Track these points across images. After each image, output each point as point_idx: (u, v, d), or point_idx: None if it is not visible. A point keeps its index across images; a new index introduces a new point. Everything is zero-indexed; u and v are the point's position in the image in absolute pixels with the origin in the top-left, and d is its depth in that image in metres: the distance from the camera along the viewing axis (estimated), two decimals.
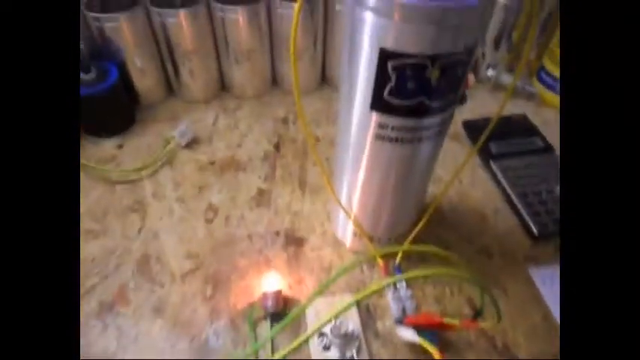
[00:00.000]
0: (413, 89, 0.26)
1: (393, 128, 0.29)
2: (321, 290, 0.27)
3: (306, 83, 0.60)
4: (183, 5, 0.51)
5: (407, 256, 0.41)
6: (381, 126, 0.29)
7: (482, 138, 0.36)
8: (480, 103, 0.60)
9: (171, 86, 0.59)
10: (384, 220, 0.38)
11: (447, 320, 0.32)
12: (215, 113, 0.57)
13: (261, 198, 0.46)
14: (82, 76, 0.49)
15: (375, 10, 0.24)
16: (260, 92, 0.60)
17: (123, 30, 0.50)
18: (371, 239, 0.39)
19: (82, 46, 0.49)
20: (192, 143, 0.52)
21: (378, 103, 0.28)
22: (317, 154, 0.35)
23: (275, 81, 0.61)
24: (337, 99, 0.33)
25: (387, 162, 0.32)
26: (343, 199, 0.38)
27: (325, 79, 0.62)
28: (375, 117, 0.29)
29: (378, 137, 0.30)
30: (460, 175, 0.50)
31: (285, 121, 0.56)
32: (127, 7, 0.50)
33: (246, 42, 0.54)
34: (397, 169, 0.32)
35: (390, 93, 0.27)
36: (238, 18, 0.51)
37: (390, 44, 0.24)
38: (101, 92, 0.49)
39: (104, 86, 0.49)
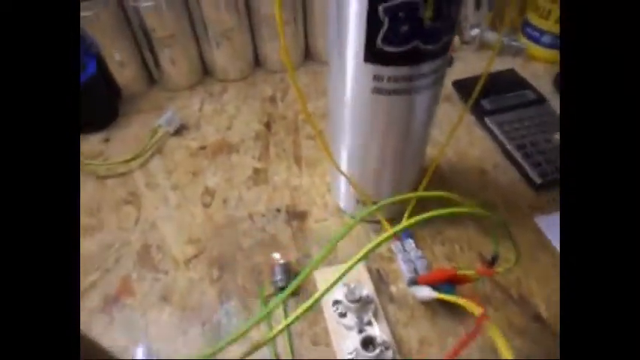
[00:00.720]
0: (406, 33, 0.25)
1: (389, 79, 0.28)
2: (328, 252, 0.26)
3: (293, 59, 0.59)
4: None
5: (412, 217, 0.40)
6: (376, 78, 0.28)
7: (474, 94, 0.35)
8: (468, 64, 0.59)
9: (152, 76, 0.57)
10: (386, 182, 0.37)
11: (460, 272, 0.32)
12: (200, 99, 0.56)
13: (258, 177, 0.45)
14: None
15: None
16: (244, 74, 0.59)
17: (96, 20, 0.48)
18: (374, 204, 0.39)
19: None
20: (180, 130, 0.51)
21: (372, 53, 0.27)
22: (313, 121, 0.34)
23: (258, 61, 0.60)
24: (327, 64, 0.32)
25: (385, 117, 0.31)
26: (343, 167, 0.37)
27: (309, 55, 0.61)
28: (369, 69, 0.28)
29: (375, 91, 0.29)
30: (456, 135, 0.49)
31: (272, 99, 0.55)
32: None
33: (224, 21, 0.52)
34: (396, 124, 0.31)
35: (384, 40, 0.26)
36: None
37: None
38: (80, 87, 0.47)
39: (81, 79, 0.47)
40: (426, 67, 0.28)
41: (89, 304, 0.36)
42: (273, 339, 0.25)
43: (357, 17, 0.25)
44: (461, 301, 0.29)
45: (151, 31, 0.51)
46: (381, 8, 0.24)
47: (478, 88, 0.35)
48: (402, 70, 0.27)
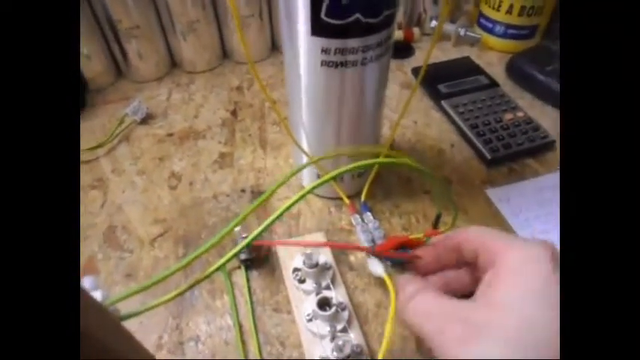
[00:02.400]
0: (347, 6, 0.27)
1: (335, 52, 0.30)
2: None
3: (256, 52, 0.61)
4: None
5: (371, 193, 0.42)
6: (324, 51, 0.30)
7: (421, 73, 0.37)
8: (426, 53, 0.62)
9: (119, 69, 0.58)
10: (345, 159, 0.39)
11: (411, 236, 0.34)
12: (168, 89, 0.57)
13: (224, 161, 0.47)
14: None
15: None
16: (211, 65, 0.60)
17: None
18: (335, 179, 0.40)
19: None
20: (147, 119, 0.51)
21: (317, 26, 0.28)
22: (272, 99, 0.35)
23: (225, 53, 0.61)
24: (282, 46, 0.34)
25: (336, 91, 0.32)
26: (304, 146, 0.39)
27: (275, 47, 0.63)
28: (317, 43, 0.29)
29: (324, 64, 0.30)
30: (415, 118, 0.51)
31: (239, 89, 0.57)
32: None
33: (189, 14, 0.53)
34: (348, 97, 0.33)
35: (327, 13, 0.27)
36: None
37: None
38: None
39: None
40: (370, 39, 0.29)
41: None
42: (223, 265, 0.26)
43: None
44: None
45: (117, 22, 0.52)
46: None
47: (426, 61, 0.37)
48: (348, 43, 0.29)
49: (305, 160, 0.40)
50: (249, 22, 0.57)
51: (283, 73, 0.60)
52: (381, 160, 0.32)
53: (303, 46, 0.30)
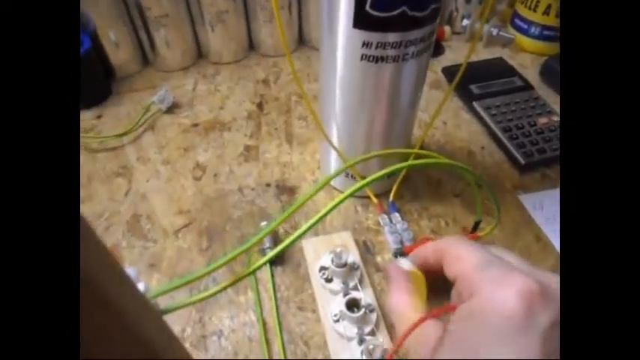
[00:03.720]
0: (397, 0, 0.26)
1: (377, 46, 0.28)
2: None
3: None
4: None
5: (399, 194, 0.41)
6: (365, 45, 0.29)
7: (458, 75, 0.36)
8: (458, 53, 0.61)
9: (147, 57, 0.57)
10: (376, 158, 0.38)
11: None
12: (194, 79, 0.56)
13: (249, 153, 0.46)
14: None
15: None
16: (238, 57, 0.59)
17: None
18: (363, 178, 0.39)
19: None
20: (173, 108, 0.51)
21: (360, 18, 0.27)
22: (305, 95, 0.35)
23: (252, 45, 0.61)
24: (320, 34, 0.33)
25: (373, 85, 0.31)
26: (334, 142, 0.38)
27: (302, 41, 0.62)
28: (358, 35, 0.28)
29: (364, 58, 0.29)
30: (445, 119, 0.50)
31: (265, 81, 0.56)
32: None
33: (219, 4, 0.53)
34: (384, 93, 0.32)
35: (372, 5, 0.26)
36: None
37: None
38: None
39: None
40: (413, 34, 0.28)
41: None
42: (253, 272, 0.25)
43: None
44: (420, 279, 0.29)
45: (146, 10, 0.51)
46: None
47: (462, 69, 0.36)
48: (390, 37, 0.28)
49: (333, 155, 0.39)
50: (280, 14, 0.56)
51: (309, 67, 0.59)
52: (419, 162, 0.30)
53: (343, 38, 0.29)
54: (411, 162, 0.29)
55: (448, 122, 0.50)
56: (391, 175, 0.40)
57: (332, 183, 0.42)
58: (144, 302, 0.14)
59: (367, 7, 0.27)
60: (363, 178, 0.39)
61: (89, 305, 0.11)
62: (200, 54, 0.59)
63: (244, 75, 0.57)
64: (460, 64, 0.36)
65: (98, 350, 0.12)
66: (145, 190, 0.42)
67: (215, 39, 0.56)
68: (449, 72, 0.55)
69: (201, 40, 0.58)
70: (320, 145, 0.44)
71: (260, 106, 0.52)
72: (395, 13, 0.27)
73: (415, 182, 0.42)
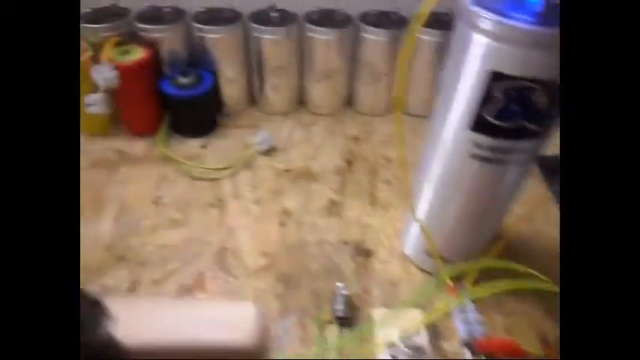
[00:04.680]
0: (517, 112, 0.27)
1: (488, 148, 0.30)
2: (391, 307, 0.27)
3: (379, 106, 0.63)
4: (280, 24, 0.55)
5: (476, 280, 0.41)
6: (476, 145, 0.30)
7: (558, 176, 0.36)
8: (555, 141, 0.60)
9: (253, 97, 0.63)
10: (458, 240, 0.38)
11: (525, 348, 0.32)
12: (292, 125, 0.60)
13: (332, 208, 0.48)
14: (180, 79, 0.53)
15: (489, 33, 0.26)
16: (334, 110, 0.63)
17: (222, 42, 0.55)
18: (443, 259, 0.40)
19: (183, 52, 0.55)
20: (269, 151, 0.55)
21: (478, 123, 0.29)
22: (405, 166, 0.36)
23: (349, 101, 0.64)
24: (430, 118, 0.35)
25: (474, 181, 0.32)
26: (419, 212, 0.39)
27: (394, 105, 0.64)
28: (472, 136, 0.30)
29: (472, 156, 0.31)
30: (531, 209, 0.49)
31: (356, 139, 0.59)
32: (229, 22, 0.55)
33: (331, 62, 0.57)
34: (483, 190, 0.33)
35: (493, 115, 0.28)
36: (329, 40, 0.55)
37: (500, 67, 0.26)
38: (195, 97, 0.53)
39: (199, 91, 0.53)
40: (525, 144, 0.29)
41: (167, 288, 0.39)
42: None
43: (471, 89, 0.28)
44: None
45: (265, 60, 0.57)
46: (498, 86, 0.27)
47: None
48: (503, 143, 0.29)
49: (415, 229, 0.40)
50: (382, 78, 0.59)
51: (398, 131, 0.61)
52: (496, 264, 0.31)
53: (455, 135, 0.31)
54: (488, 263, 0.29)
55: (537, 215, 0.49)
56: (469, 259, 0.40)
57: (408, 254, 0.43)
58: None
59: (487, 115, 0.28)
60: (443, 258, 0.40)
61: None
62: (301, 101, 0.64)
63: (337, 129, 0.60)
64: (556, 156, 0.36)
65: None
66: (234, 225, 0.46)
67: (318, 91, 0.61)
68: (543, 161, 0.54)
69: (305, 90, 0.62)
70: (404, 213, 0.45)
71: (349, 163, 0.55)
72: (514, 124, 0.28)
73: (494, 271, 0.42)
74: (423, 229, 0.38)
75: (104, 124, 0.55)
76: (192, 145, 0.56)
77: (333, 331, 0.37)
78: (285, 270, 0.42)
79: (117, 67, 0.49)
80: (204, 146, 0.56)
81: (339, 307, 0.37)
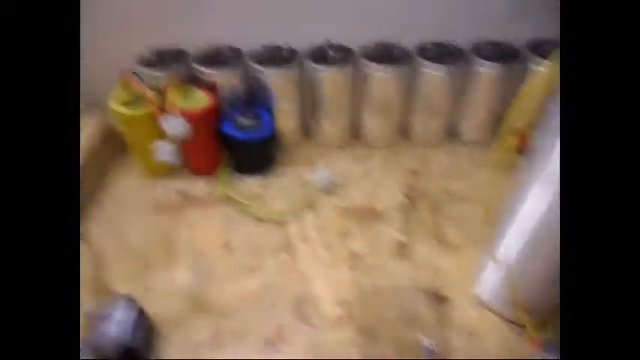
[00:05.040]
0: None
1: None
2: None
3: (435, 137, 0.62)
4: (336, 60, 0.55)
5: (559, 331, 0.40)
6: None
7: None
8: None
9: (308, 130, 0.63)
10: (547, 289, 0.38)
11: None
12: (348, 160, 0.60)
13: (401, 250, 0.48)
14: (243, 120, 0.54)
15: None
16: (389, 142, 0.63)
17: (279, 80, 0.55)
18: (526, 308, 0.39)
19: (241, 91, 0.55)
20: (329, 188, 0.55)
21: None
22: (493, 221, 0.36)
23: (404, 133, 0.64)
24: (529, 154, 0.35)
25: None
26: (499, 260, 0.38)
27: (453, 134, 0.63)
28: None
29: None
30: None
31: (415, 173, 0.58)
32: (286, 60, 0.55)
33: (388, 97, 0.57)
34: None
35: None
36: (386, 76, 0.54)
37: None
38: (257, 138, 0.54)
39: (261, 132, 0.54)
40: None
41: (248, 340, 0.40)
42: None
43: None
44: None
45: (321, 95, 0.57)
46: None
47: None
48: None
49: (494, 275, 0.39)
50: (442, 108, 0.59)
51: (457, 164, 0.60)
52: None
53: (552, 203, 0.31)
54: None
55: None
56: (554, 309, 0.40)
57: (486, 300, 0.42)
58: None
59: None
60: (527, 306, 0.39)
61: None
62: (355, 135, 0.64)
63: (395, 162, 0.60)
64: None
65: None
66: (306, 270, 0.46)
67: (373, 124, 0.61)
68: None
69: (360, 123, 0.62)
70: (475, 255, 0.45)
71: (410, 199, 0.54)
72: None
73: None
74: (507, 278, 0.38)
75: (166, 167, 0.56)
76: (252, 183, 0.57)
77: None
78: (363, 319, 0.42)
79: (185, 116, 0.49)
80: (263, 185, 0.57)
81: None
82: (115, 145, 0.58)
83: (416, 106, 0.60)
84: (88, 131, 0.56)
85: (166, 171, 0.57)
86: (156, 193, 0.55)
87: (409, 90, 0.58)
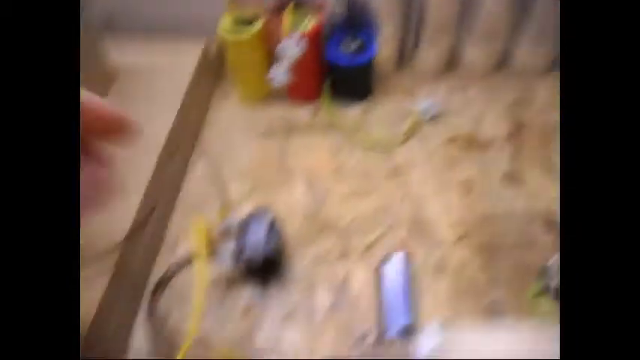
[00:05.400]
0: None
1: None
2: None
3: (540, 65, 0.59)
4: None
5: None
6: None
7: None
8: None
9: (403, 58, 0.61)
10: None
11: None
12: (446, 89, 0.59)
13: (512, 178, 0.48)
14: (347, 45, 0.53)
15: None
16: (489, 72, 0.60)
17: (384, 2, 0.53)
18: None
19: (343, 13, 0.54)
20: (434, 118, 0.55)
21: None
22: None
23: (505, 61, 0.61)
24: None
25: None
26: None
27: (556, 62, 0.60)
28: None
29: None
30: None
31: (518, 102, 0.57)
32: None
33: (497, 18, 0.54)
34: None
35: None
36: None
37: None
38: (362, 65, 0.53)
39: (366, 57, 0.53)
40: None
41: (377, 254, 0.43)
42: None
43: None
44: None
45: (425, 17, 0.54)
46: None
47: None
48: None
49: None
50: (549, 32, 0.55)
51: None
52: None
53: None
54: None
55: None
56: None
57: None
58: None
59: None
60: None
61: None
62: (452, 64, 0.61)
63: (496, 91, 0.58)
64: None
65: None
66: (418, 195, 0.47)
67: (474, 51, 0.58)
68: None
69: (459, 51, 0.60)
70: None
71: (516, 128, 0.53)
72: None
73: None
74: None
75: (269, 93, 0.57)
76: (354, 111, 0.57)
77: (547, 304, 0.39)
78: (481, 241, 0.43)
79: (299, 37, 0.48)
80: (365, 113, 0.57)
81: (551, 277, 0.39)
82: (216, 74, 0.59)
83: (524, 30, 0.56)
84: (193, 61, 0.56)
85: (267, 98, 0.58)
86: (261, 120, 0.56)
87: (521, 11, 0.55)
